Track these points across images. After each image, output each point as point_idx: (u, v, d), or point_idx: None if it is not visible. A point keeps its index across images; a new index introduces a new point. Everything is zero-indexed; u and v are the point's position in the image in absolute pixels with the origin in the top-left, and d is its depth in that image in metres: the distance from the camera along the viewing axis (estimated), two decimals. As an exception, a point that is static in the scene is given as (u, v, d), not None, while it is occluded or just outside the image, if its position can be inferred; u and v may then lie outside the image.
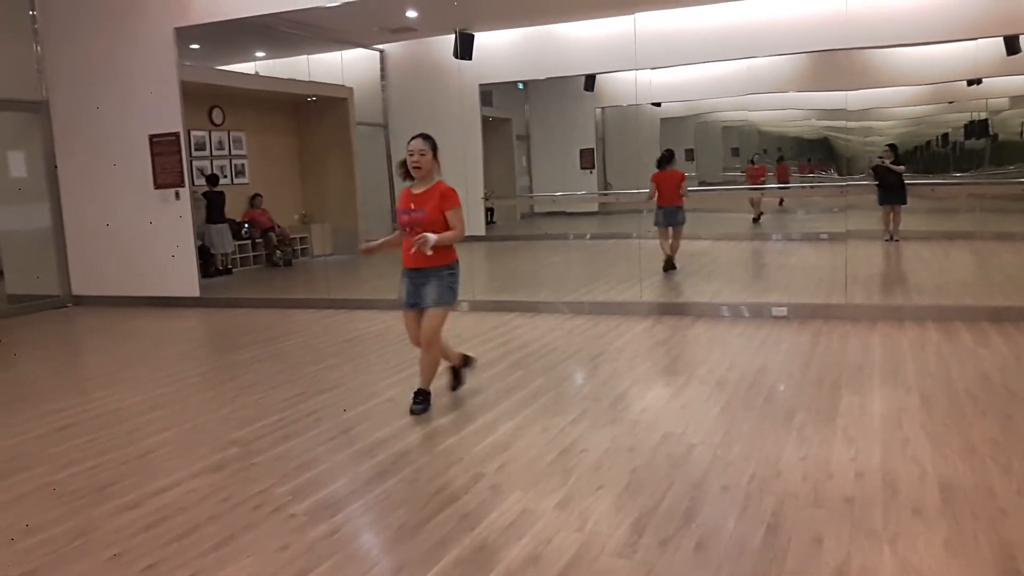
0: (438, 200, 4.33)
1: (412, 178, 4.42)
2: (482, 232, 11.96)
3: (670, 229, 9.03)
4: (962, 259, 9.65)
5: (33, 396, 5.46)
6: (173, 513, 3.33)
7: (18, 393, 5.62)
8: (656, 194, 9.11)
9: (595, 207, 13.39)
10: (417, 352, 4.59)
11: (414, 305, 4.43)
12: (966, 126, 10.29)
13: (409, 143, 4.37)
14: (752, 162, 11.46)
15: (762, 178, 11.38)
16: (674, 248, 9.08)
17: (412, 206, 4.35)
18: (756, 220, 11.69)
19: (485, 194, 11.73)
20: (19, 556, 3.01)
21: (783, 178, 11.57)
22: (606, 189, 12.65)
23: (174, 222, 9.04)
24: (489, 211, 12.58)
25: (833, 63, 9.76)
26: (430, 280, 4.37)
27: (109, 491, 3.61)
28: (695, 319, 6.80)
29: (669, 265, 9.02)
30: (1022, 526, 2.85)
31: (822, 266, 9.05)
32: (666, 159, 9.28)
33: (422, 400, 4.55)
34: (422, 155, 4.32)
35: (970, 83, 9.72)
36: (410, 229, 4.33)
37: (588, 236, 12.95)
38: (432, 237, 4.18)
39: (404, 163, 4.39)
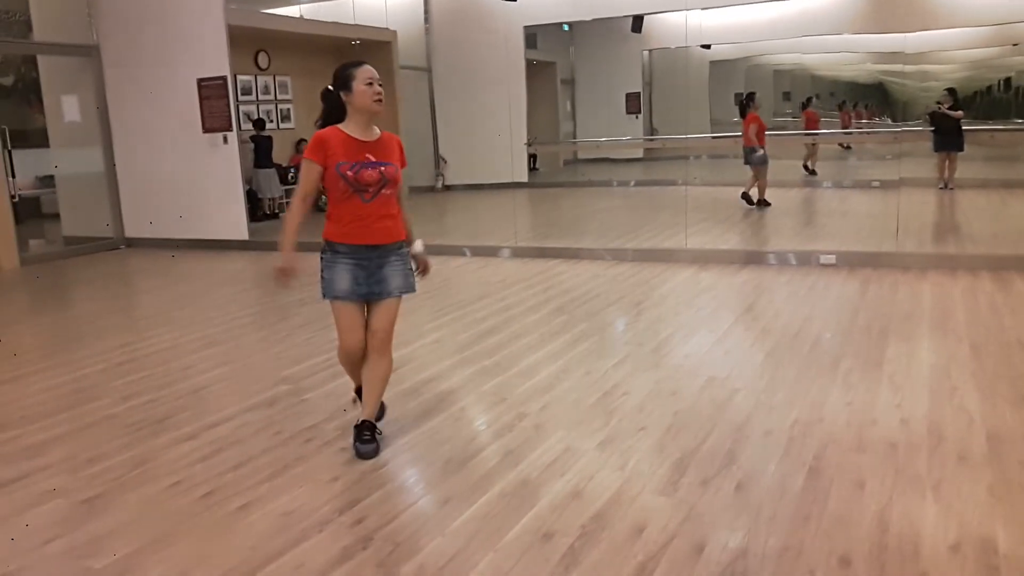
0: (400, 153, 3.32)
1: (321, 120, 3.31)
2: (525, 179, 11.92)
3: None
4: (1020, 208, 9.37)
5: (92, 333, 5.66)
6: (228, 445, 3.46)
7: (79, 331, 5.84)
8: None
9: (640, 153, 13.24)
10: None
11: (366, 295, 3.26)
12: (1031, 70, 9.90)
13: (364, 68, 3.23)
14: (804, 106, 11.18)
15: (816, 123, 11.12)
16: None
17: (370, 157, 3.19)
18: (810, 171, 11.46)
19: (528, 140, 11.65)
20: (86, 481, 3.16)
21: (845, 124, 11.31)
22: (652, 134, 12.47)
23: (221, 167, 9.17)
24: (532, 157, 12.52)
25: (891, 4, 9.41)
26: (390, 260, 3.27)
27: (167, 423, 3.76)
28: (741, 267, 6.74)
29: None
30: (1071, 475, 2.82)
31: (873, 214, 8.86)
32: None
33: (370, 435, 3.29)
34: (381, 86, 3.26)
35: (1037, 24, 9.30)
36: (375, 190, 3.18)
37: (632, 183, 12.83)
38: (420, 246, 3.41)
39: (334, 97, 3.26)
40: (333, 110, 3.26)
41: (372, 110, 3.22)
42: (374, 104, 3.21)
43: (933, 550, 2.39)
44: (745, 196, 9.34)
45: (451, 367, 4.38)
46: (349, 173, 3.14)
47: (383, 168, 3.20)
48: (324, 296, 3.26)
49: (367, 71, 3.23)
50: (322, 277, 3.26)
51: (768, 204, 9.41)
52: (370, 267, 3.23)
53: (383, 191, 3.20)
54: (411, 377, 4.25)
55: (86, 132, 9.74)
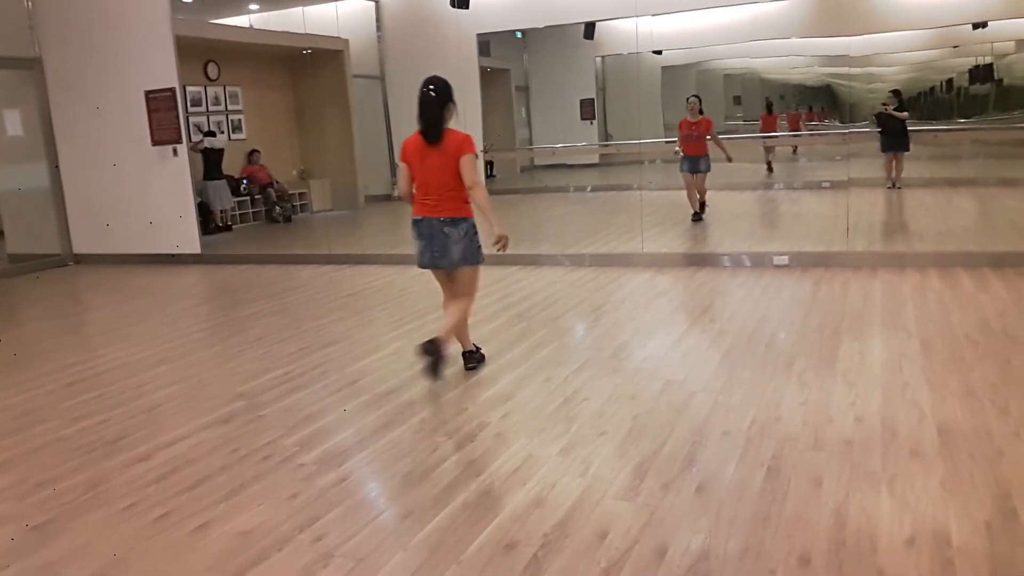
0: None
1: None
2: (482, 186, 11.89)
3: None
4: (964, 205, 9.63)
5: (41, 353, 5.51)
6: (183, 465, 3.39)
7: (26, 350, 5.67)
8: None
9: (596, 159, 13.32)
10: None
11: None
12: (971, 71, 10.18)
13: None
14: (769, 110, 11.33)
15: (773, 127, 11.29)
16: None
17: None
18: (771, 170, 11.63)
19: (484, 147, 11.65)
20: (36, 507, 3.07)
21: (794, 126, 11.49)
22: (607, 140, 12.56)
23: (172, 179, 9.01)
24: (489, 164, 12.52)
25: (836, 8, 9.61)
26: None
27: (120, 444, 3.67)
28: (696, 269, 6.81)
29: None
30: (1018, 466, 2.90)
31: (824, 214, 9.04)
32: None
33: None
34: None
35: (975, 27, 9.58)
36: None
37: (589, 188, 12.91)
38: None
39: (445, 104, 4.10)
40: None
41: None
42: None
43: (889, 545, 2.43)
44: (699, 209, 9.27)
45: (410, 378, 4.35)
46: None
47: None
48: (482, 261, 4.27)
49: None
50: (481, 247, 4.26)
51: (697, 216, 9.17)
52: None
53: None
54: (370, 389, 4.21)
55: (30, 147, 9.49)
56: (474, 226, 4.18)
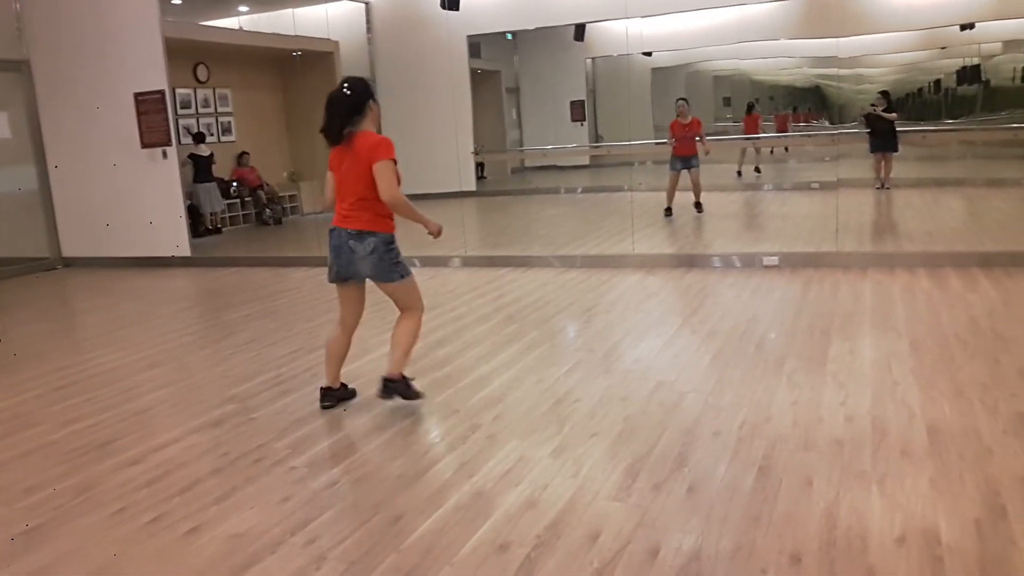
0: None
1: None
2: (473, 187, 11.92)
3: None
4: (953, 206, 9.69)
5: (30, 357, 5.48)
6: (174, 468, 3.38)
7: (15, 354, 5.64)
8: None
9: (586, 160, 13.35)
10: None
11: None
12: (958, 72, 10.24)
13: None
14: (750, 112, 11.38)
15: (756, 129, 11.33)
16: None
17: None
18: (740, 174, 11.69)
19: (475, 149, 11.66)
20: (25, 512, 3.05)
21: (781, 127, 11.54)
22: (597, 142, 12.58)
23: (161, 182, 8.97)
24: (479, 166, 12.52)
25: (825, 9, 9.67)
26: None
27: (110, 448, 3.66)
28: (687, 270, 6.83)
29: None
30: (1007, 464, 2.92)
31: (813, 215, 9.07)
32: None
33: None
34: None
35: (963, 28, 9.64)
36: None
37: (579, 190, 12.93)
38: None
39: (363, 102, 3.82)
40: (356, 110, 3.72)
41: None
42: None
43: (880, 544, 2.45)
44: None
45: (402, 380, 4.34)
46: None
47: None
48: (405, 276, 3.83)
49: None
50: (401, 263, 3.81)
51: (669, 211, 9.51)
52: None
53: None
54: (361, 391, 4.20)
55: (18, 149, 9.44)
56: (387, 242, 3.74)
